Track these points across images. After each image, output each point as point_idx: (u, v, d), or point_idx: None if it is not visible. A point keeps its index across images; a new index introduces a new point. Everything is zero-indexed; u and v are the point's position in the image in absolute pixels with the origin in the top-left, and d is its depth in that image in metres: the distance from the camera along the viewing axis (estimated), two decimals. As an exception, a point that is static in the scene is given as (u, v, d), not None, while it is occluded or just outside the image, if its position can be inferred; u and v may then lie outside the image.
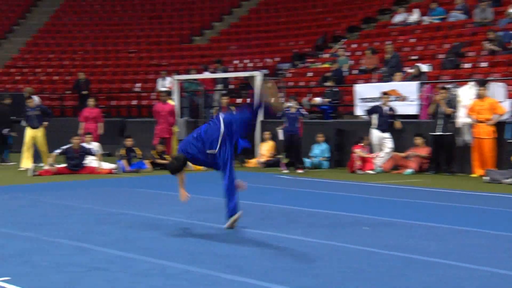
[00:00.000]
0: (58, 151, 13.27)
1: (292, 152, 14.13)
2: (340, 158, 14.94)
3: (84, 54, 27.30)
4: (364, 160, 13.90)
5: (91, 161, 13.72)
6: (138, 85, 23.48)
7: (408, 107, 14.62)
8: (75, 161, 13.34)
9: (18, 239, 6.23)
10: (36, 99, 15.67)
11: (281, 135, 14.95)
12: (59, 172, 13.10)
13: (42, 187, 11.07)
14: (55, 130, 18.73)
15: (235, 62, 22.98)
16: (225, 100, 15.81)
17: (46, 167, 13.34)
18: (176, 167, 6.84)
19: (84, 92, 20.07)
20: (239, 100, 19.50)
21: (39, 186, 11.15)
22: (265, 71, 18.87)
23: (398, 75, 15.59)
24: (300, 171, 13.89)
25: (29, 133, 14.40)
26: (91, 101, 16.60)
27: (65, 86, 24.06)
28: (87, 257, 5.49)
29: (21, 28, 30.71)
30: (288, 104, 14.47)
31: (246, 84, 19.97)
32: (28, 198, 9.28)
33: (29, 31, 30.15)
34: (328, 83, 17.01)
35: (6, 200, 9.06)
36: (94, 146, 14.51)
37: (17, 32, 30.52)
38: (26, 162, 14.10)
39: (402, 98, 14.68)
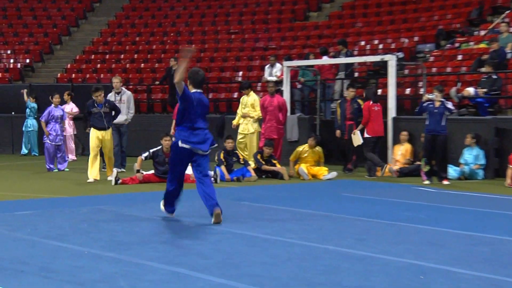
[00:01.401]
0: (145, 154, 13.73)
1: (435, 158, 13.82)
2: (500, 166, 14.47)
3: (176, 36, 28.15)
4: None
5: (184, 167, 14.11)
6: (241, 73, 23.89)
7: None
8: (165, 167, 13.73)
9: (101, 260, 6.51)
10: (127, 93, 16.01)
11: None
12: (146, 180, 13.56)
13: (127, 198, 11.50)
14: (141, 129, 19.51)
15: (362, 43, 22.81)
16: (351, 92, 15.75)
17: (110, 178, 13.70)
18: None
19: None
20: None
21: (123, 197, 11.59)
22: (401, 55, 18.61)
23: None
24: (446, 182, 13.59)
25: (94, 135, 14.18)
26: None
27: (154, 75, 24.93)
28: (184, 284, 5.64)
29: (102, 6, 32.17)
30: (430, 96, 14.17)
31: (375, 72, 19.78)
32: (111, 212, 9.68)
33: (112, 8, 31.50)
34: (484, 69, 16.51)
35: (86, 213, 9.50)
36: (188, 148, 14.89)
37: (98, 10, 31.99)
38: (94, 171, 14.04)
39: None
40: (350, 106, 15.61)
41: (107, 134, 14.21)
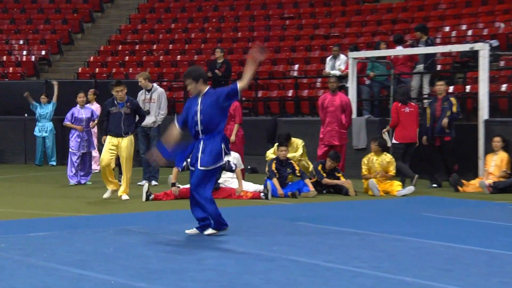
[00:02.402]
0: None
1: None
2: None
3: (218, 22, 28.29)
4: None
5: (228, 180, 14.17)
6: (296, 67, 23.89)
7: None
8: (206, 180, 13.81)
9: (130, 291, 6.60)
10: (159, 90, 16.05)
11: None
12: (183, 195, 13.57)
13: (160, 216, 11.61)
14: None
15: (446, 29, 22.61)
16: (441, 86, 15.61)
17: (125, 197, 13.53)
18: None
19: (218, 73, 20.39)
20: (451, 88, 19.16)
21: (155, 216, 11.70)
22: (495, 43, 18.41)
23: None
24: (552, 200, 13.44)
25: (107, 140, 13.67)
26: None
27: (192, 70, 25.00)
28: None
29: (131, -13, 32.48)
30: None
31: (462, 64, 19.59)
32: (142, 233, 9.77)
33: (142, -10, 31.81)
34: None
35: (113, 235, 9.60)
36: (233, 158, 14.90)
37: (126, -8, 32.32)
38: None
39: None
40: (441, 105, 15.43)
41: (124, 141, 13.64)
